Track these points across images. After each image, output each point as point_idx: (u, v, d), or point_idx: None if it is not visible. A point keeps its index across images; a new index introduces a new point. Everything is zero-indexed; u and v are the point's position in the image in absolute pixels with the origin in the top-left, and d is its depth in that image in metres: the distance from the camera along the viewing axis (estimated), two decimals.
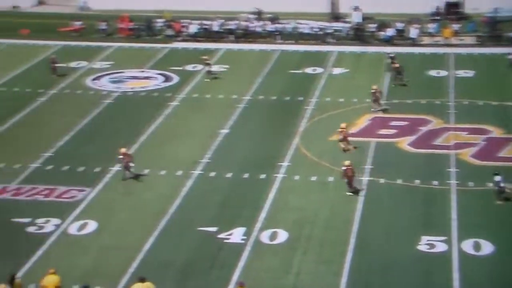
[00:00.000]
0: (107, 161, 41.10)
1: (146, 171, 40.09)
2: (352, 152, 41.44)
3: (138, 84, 54.24)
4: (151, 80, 55.13)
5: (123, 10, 69.49)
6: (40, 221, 35.06)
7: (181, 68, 56.98)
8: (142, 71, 56.75)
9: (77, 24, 66.89)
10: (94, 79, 55.07)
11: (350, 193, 37.32)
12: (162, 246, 32.99)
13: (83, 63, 58.70)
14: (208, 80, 54.38)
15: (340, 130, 42.11)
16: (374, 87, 48.01)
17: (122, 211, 36.21)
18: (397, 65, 52.82)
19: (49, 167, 40.72)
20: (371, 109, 47.67)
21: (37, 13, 74.96)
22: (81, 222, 35.12)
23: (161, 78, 55.45)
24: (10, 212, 35.82)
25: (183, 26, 65.94)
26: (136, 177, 39.37)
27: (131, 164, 39.25)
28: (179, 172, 39.92)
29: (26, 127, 46.20)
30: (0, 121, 46.76)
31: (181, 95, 51.73)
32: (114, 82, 54.68)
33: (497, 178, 36.37)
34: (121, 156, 39.21)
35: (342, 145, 41.91)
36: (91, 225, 34.85)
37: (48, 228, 34.53)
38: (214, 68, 56.69)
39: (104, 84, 54.18)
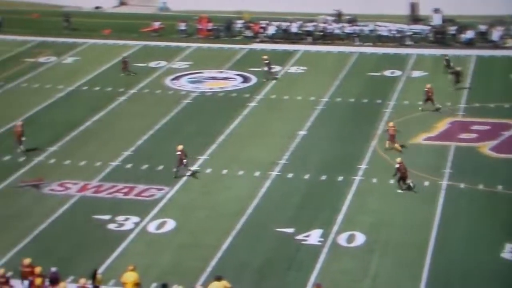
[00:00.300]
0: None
1: (224, 172, 40.35)
2: (401, 151, 41.34)
3: (216, 85, 54.62)
4: (229, 81, 55.46)
5: (202, 11, 70.07)
6: (120, 218, 35.58)
7: (259, 69, 57.14)
8: (221, 72, 57.11)
9: (157, 24, 67.69)
10: (173, 79, 55.65)
11: (403, 190, 37.25)
12: (240, 246, 33.16)
13: (163, 63, 59.36)
14: (265, 80, 54.49)
15: (388, 128, 42.37)
16: (428, 86, 47.68)
17: (200, 210, 36.50)
18: (457, 68, 52.22)
19: (129, 166, 41.30)
20: (419, 108, 47.64)
21: (119, 13, 76.09)
22: (160, 220, 35.52)
23: (240, 79, 55.73)
24: (91, 209, 36.45)
25: (261, 28, 66.13)
26: (192, 174, 39.81)
27: (185, 161, 39.62)
28: (257, 173, 40.07)
29: (107, 126, 46.94)
30: (82, 120, 47.57)
31: (259, 96, 51.91)
32: (193, 82, 55.16)
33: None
34: (178, 153, 39.58)
35: (387, 144, 42.16)
36: (170, 224, 35.22)
37: (128, 225, 35.01)
38: (292, 69, 56.79)
39: (183, 84, 54.71)
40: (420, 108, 47.78)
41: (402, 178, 37.56)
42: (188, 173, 39.92)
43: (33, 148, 42.99)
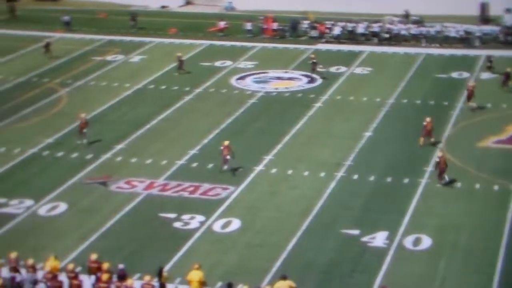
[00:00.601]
0: (251, 160, 41.58)
1: (289, 172, 40.32)
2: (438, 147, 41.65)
3: (282, 85, 54.59)
4: (295, 81, 55.38)
5: (268, 11, 70.10)
6: (185, 217, 35.77)
7: (324, 70, 56.94)
8: (286, 72, 57.03)
9: (222, 24, 67.93)
10: (238, 79, 55.78)
11: (443, 185, 37.28)
12: (305, 246, 33.08)
13: (228, 63, 59.54)
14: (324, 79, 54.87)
15: (426, 123, 42.58)
16: (471, 83, 47.10)
17: (265, 210, 36.52)
18: (507, 69, 51.51)
19: (194, 164, 41.50)
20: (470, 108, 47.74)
21: (185, 12, 76.60)
22: (225, 220, 35.61)
23: (305, 79, 55.62)
24: (157, 207, 36.73)
25: (327, 28, 65.89)
26: (233, 171, 39.98)
27: (228, 157, 39.91)
28: (322, 174, 39.95)
29: (173, 125, 47.25)
30: (148, 118, 47.97)
31: (325, 97, 51.74)
32: (258, 82, 55.22)
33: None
34: (222, 147, 39.97)
35: (421, 141, 42.44)
36: (235, 223, 35.29)
37: (193, 224, 35.17)
38: (357, 70, 56.64)
39: (248, 84, 54.80)
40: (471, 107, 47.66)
41: (441, 172, 37.48)
42: (226, 167, 40.07)
43: (94, 140, 43.74)
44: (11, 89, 53.47)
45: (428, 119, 42.78)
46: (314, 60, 55.50)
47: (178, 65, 56.44)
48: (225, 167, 40.09)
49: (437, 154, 38.42)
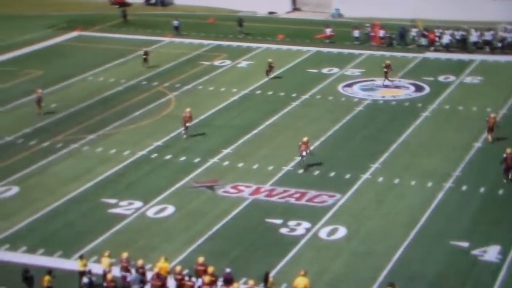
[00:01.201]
0: (358, 168, 41.38)
1: (396, 181, 39.93)
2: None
3: (389, 93, 54.10)
4: (402, 89, 54.80)
5: (375, 18, 69.56)
6: (291, 223, 35.79)
7: (433, 79, 56.18)
8: (393, 80, 56.47)
9: (328, 30, 67.74)
10: (345, 86, 55.54)
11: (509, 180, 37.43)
12: (412, 256, 32.66)
13: (335, 70, 59.33)
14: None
15: (489, 119, 43.16)
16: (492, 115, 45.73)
17: (372, 218, 36.24)
18: None
19: (301, 171, 41.47)
20: None
21: (292, 19, 76.74)
22: (331, 227, 35.47)
23: (412, 88, 54.98)
24: (263, 213, 36.87)
25: (437, 36, 64.88)
26: (306, 167, 41.14)
27: (303, 153, 40.65)
28: (430, 183, 39.42)
29: (280, 130, 47.33)
30: (255, 123, 48.23)
31: (433, 106, 51.03)
32: (365, 90, 54.87)
33: None
34: (300, 143, 40.86)
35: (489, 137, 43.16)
36: (341, 231, 35.12)
37: (300, 231, 35.15)
38: (467, 79, 55.78)
39: (355, 91, 54.50)
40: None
41: (507, 168, 37.49)
42: (304, 158, 41.24)
43: (197, 134, 44.78)
44: (122, 92, 54.59)
45: (492, 115, 43.24)
46: (387, 69, 55.06)
47: (268, 70, 56.59)
48: (302, 162, 41.31)
49: (506, 150, 38.50)
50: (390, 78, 55.26)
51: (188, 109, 46.00)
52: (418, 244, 33.68)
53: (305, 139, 41.40)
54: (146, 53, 59.76)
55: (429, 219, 35.89)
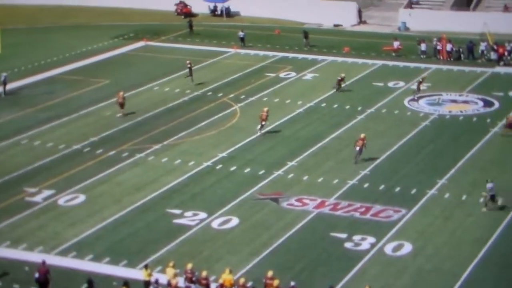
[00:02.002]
0: (424, 183, 40.88)
1: (464, 197, 39.33)
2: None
3: (456, 108, 53.38)
4: (470, 105, 54.02)
5: (442, 32, 68.70)
6: (356, 238, 35.46)
7: (502, 94, 55.30)
8: (461, 95, 55.71)
9: (396, 44, 67.16)
10: (411, 100, 54.95)
11: None
12: (483, 276, 32.08)
13: (401, 83, 58.75)
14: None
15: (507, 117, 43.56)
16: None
17: (439, 235, 35.72)
18: None
19: (366, 185, 41.12)
20: None
21: (358, 32, 76.28)
22: (397, 242, 35.05)
23: (481, 103, 54.17)
24: (328, 226, 36.59)
25: (507, 51, 63.77)
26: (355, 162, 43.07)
27: (357, 148, 42.92)
28: (499, 201, 38.59)
29: (345, 144, 46.79)
30: (321, 136, 47.97)
31: (502, 121, 50.12)
32: (431, 104, 54.21)
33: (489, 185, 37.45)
34: (358, 139, 43.21)
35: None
36: (407, 247, 34.66)
37: (364, 245, 34.81)
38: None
39: (422, 105, 53.89)
40: None
41: None
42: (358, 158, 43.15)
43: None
44: (187, 103, 54.80)
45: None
46: (421, 84, 55.22)
47: (337, 83, 56.29)
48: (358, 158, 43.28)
49: None
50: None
51: (266, 108, 48.11)
52: (489, 263, 33.06)
53: (362, 135, 43.23)
54: (190, 67, 58.34)
55: (500, 237, 35.24)
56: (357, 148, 42.86)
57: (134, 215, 38.05)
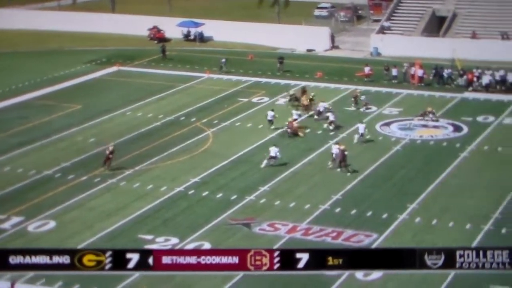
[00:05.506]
0: (395, 208, 41.15)
1: (434, 222, 39.63)
2: None
3: (427, 133, 53.85)
4: (440, 129, 54.53)
5: (414, 57, 69.32)
6: None
7: (471, 119, 55.89)
8: (432, 120, 56.19)
9: (367, 69, 67.68)
10: (383, 125, 55.36)
11: None
12: None
13: (373, 108, 59.13)
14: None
15: None
16: None
17: None
18: None
19: (338, 210, 41.32)
20: None
21: (330, 57, 76.80)
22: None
23: (451, 128, 54.69)
24: None
25: (476, 77, 64.48)
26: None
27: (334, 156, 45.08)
28: (468, 225, 39.05)
29: (317, 169, 47.12)
30: (293, 161, 48.16)
31: (471, 146, 50.67)
32: (403, 129, 54.64)
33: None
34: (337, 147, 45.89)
35: None
36: (378, 272, 34.69)
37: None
38: (507, 120, 55.43)
39: (393, 130, 54.31)
40: None
41: None
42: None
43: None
44: (160, 128, 54.87)
45: None
46: (430, 114, 55.58)
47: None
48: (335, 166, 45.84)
49: None
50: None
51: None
52: (459, 284, 33.23)
53: (342, 147, 46.31)
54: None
55: None
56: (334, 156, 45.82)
57: (106, 241, 37.90)
